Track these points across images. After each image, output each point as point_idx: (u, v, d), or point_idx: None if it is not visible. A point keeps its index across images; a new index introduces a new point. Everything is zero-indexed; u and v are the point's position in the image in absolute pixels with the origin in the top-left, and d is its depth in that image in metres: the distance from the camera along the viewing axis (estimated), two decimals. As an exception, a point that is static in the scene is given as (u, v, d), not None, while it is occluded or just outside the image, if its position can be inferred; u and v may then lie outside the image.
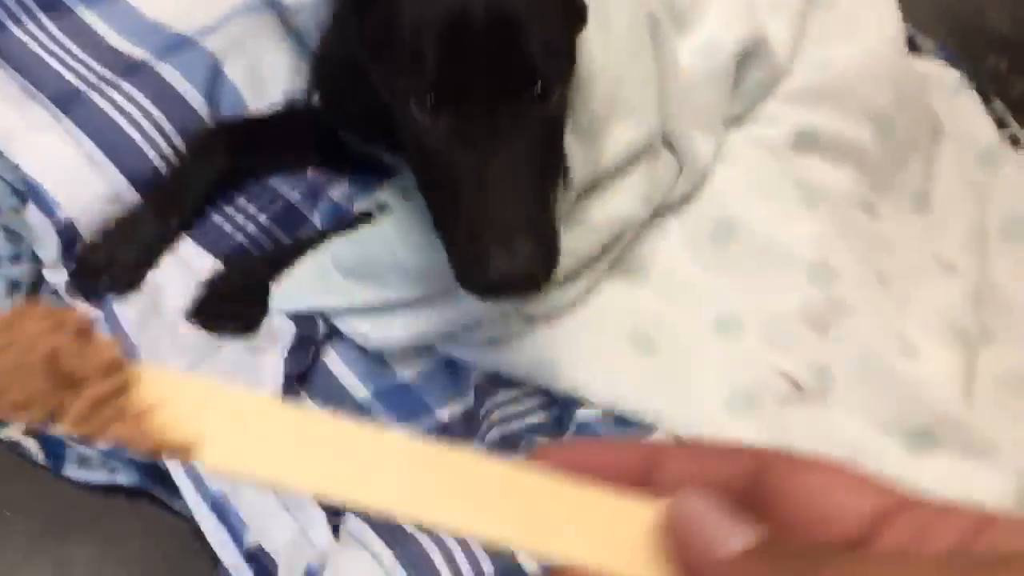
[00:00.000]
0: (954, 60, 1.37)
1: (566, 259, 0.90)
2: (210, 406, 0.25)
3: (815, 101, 1.16)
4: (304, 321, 0.93)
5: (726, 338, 1.02)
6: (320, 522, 0.83)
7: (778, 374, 0.98)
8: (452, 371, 0.97)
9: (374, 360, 0.96)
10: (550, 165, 0.82)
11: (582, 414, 0.93)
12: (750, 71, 1.14)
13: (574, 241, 0.95)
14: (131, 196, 1.00)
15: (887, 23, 1.23)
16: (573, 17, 0.87)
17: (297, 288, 0.95)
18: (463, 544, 0.80)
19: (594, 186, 0.99)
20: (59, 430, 0.26)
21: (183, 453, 0.25)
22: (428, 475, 0.26)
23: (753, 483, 0.26)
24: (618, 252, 1.03)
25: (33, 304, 0.26)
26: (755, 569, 0.23)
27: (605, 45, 0.96)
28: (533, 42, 0.76)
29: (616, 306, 1.02)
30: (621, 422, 0.93)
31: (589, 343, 0.97)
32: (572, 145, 0.92)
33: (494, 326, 0.94)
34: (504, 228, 0.73)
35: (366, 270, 0.94)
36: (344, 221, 1.01)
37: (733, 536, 0.24)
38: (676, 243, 1.09)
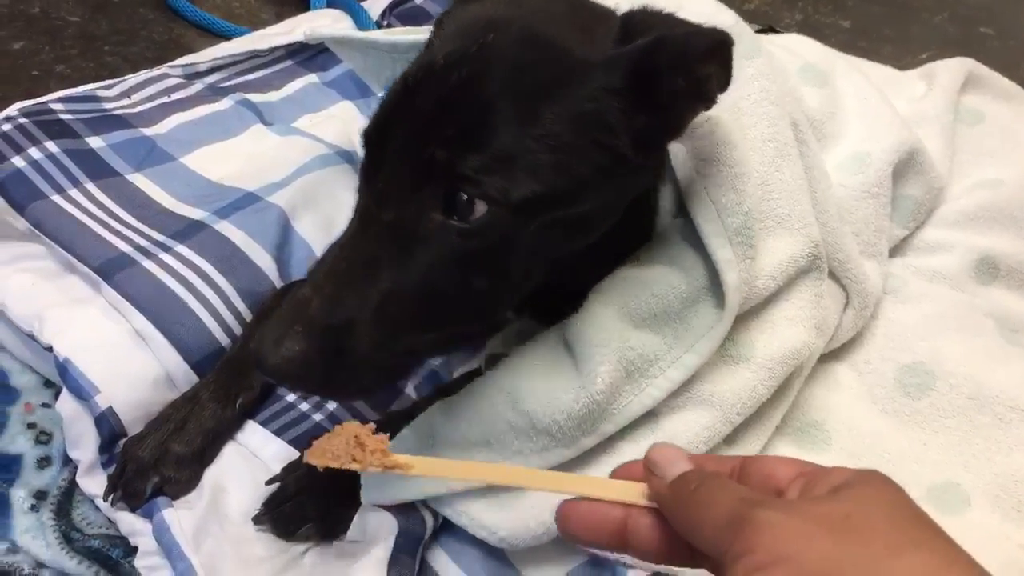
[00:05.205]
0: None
1: (731, 405, 0.76)
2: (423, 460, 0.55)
3: (988, 224, 1.00)
4: (406, 514, 0.74)
5: (946, 511, 0.79)
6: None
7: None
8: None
9: (500, 562, 0.74)
10: (436, 309, 0.64)
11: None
12: (906, 188, 0.99)
13: (739, 385, 0.77)
14: (185, 377, 0.85)
15: (1048, 139, 1.08)
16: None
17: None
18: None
19: (752, 315, 0.81)
20: (354, 468, 0.53)
21: (407, 469, 0.54)
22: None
23: (739, 472, 0.49)
24: (790, 401, 0.84)
25: (351, 422, 0.55)
26: (682, 482, 0.46)
27: (746, 150, 0.80)
28: (484, 132, 0.60)
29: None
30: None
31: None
32: (721, 251, 0.74)
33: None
34: (291, 317, 0.59)
35: (481, 435, 0.73)
36: (445, 389, 0.83)
37: (679, 466, 0.48)
38: (853, 398, 0.90)
